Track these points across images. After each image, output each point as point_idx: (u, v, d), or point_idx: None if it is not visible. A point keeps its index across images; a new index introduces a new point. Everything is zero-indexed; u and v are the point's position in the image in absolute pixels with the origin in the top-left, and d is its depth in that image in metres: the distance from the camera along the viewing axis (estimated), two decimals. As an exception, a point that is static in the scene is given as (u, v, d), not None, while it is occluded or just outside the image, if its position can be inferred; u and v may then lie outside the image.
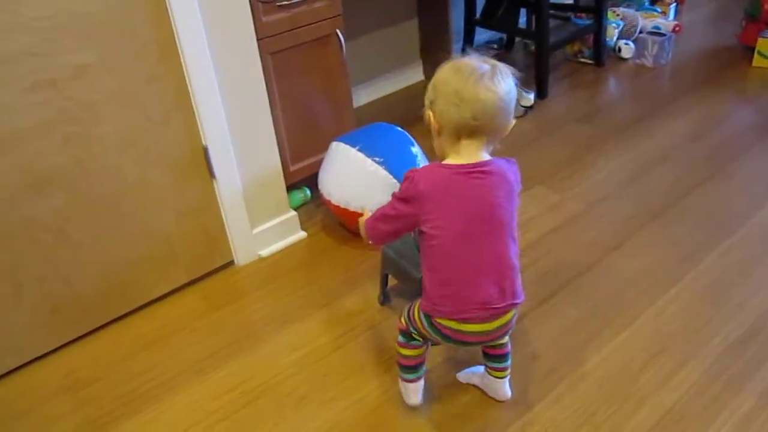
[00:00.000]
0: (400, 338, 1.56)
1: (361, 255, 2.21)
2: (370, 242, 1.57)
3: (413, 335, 1.52)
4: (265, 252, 2.25)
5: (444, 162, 1.37)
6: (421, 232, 1.36)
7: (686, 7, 4.13)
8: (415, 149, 2.16)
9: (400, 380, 1.63)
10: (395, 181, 2.04)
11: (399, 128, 2.21)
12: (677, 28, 3.61)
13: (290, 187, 2.34)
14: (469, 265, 1.34)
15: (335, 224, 2.36)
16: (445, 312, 1.37)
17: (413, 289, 1.81)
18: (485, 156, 1.35)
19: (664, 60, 3.36)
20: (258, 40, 1.98)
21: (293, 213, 2.31)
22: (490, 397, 1.65)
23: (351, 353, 1.83)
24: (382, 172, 2.03)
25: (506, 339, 1.55)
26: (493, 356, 1.59)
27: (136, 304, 2.05)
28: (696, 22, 3.91)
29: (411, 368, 1.58)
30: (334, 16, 2.20)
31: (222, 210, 2.10)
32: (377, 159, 2.04)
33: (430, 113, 1.35)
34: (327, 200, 2.19)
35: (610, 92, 3.23)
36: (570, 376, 1.69)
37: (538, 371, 1.72)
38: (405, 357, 1.57)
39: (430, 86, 1.36)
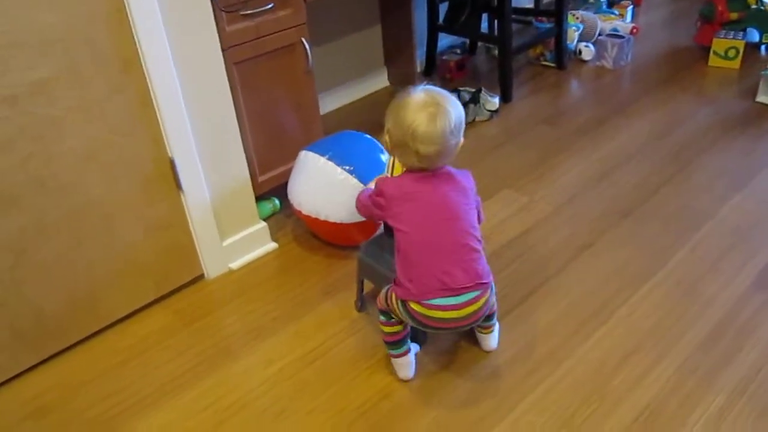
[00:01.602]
0: (381, 317, 1.68)
1: (334, 264, 2.19)
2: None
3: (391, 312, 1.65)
4: (235, 264, 2.22)
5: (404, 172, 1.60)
6: (390, 227, 1.58)
7: (643, 9, 4.21)
8: (384, 156, 2.15)
9: (390, 357, 1.73)
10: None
11: (367, 136, 2.20)
12: (635, 30, 3.68)
13: (259, 198, 2.31)
14: (430, 253, 1.51)
15: (306, 234, 2.34)
16: (411, 294, 1.52)
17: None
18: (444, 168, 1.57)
19: (623, 62, 3.42)
20: (222, 50, 1.95)
21: (263, 224, 2.28)
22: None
23: (329, 364, 1.81)
24: (352, 180, 2.02)
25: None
26: (486, 317, 1.69)
27: (105, 323, 1.99)
28: (653, 24, 4.00)
29: (395, 343, 1.69)
30: (298, 25, 2.18)
31: (190, 223, 2.06)
32: (347, 167, 2.03)
33: (387, 139, 1.56)
34: (297, 210, 2.16)
35: (573, 94, 3.27)
36: (548, 379, 1.70)
37: (516, 374, 1.72)
38: (388, 334, 1.69)
39: (387, 114, 1.56)
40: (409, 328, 1.68)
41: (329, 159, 2.06)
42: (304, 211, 2.13)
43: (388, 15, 3.25)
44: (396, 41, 3.31)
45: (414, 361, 1.73)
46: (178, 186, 1.98)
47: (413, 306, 1.53)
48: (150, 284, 2.05)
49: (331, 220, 2.08)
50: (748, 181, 2.41)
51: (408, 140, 1.46)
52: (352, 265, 1.98)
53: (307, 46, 2.22)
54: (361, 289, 1.96)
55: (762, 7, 3.33)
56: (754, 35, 3.40)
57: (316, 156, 2.08)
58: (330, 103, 3.20)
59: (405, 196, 1.54)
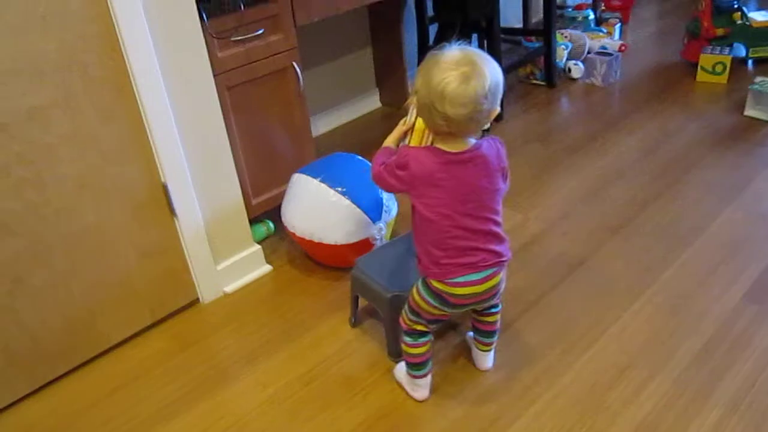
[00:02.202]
0: (407, 338, 1.66)
1: (329, 286, 2.19)
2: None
3: (417, 328, 1.64)
4: (230, 288, 2.22)
5: (433, 146, 1.46)
6: (414, 205, 1.51)
7: (630, 27, 4.27)
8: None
9: (407, 377, 1.73)
10: (359, 210, 2.05)
11: (359, 157, 2.22)
12: (623, 48, 3.73)
13: (253, 221, 2.32)
14: (453, 238, 1.47)
15: (301, 256, 2.34)
16: (435, 275, 1.51)
17: (384, 308, 1.80)
18: (470, 142, 1.45)
19: (612, 79, 3.46)
20: (214, 75, 1.98)
21: (257, 247, 2.29)
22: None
23: (323, 387, 1.81)
24: (345, 201, 2.03)
25: (497, 317, 1.69)
26: (482, 331, 1.72)
27: (100, 349, 1.99)
28: (641, 41, 4.04)
29: (420, 365, 1.68)
30: (289, 49, 2.21)
31: (184, 247, 2.07)
32: (340, 189, 2.04)
33: (414, 100, 1.45)
34: (291, 232, 2.17)
35: (564, 112, 3.30)
36: (543, 396, 1.70)
37: (511, 392, 1.72)
38: (413, 356, 1.67)
39: (417, 72, 1.42)
40: (431, 349, 1.68)
41: (322, 181, 2.07)
42: (298, 234, 2.14)
43: (378, 37, 3.29)
44: (387, 63, 3.34)
45: (431, 382, 1.74)
46: (172, 211, 1.99)
47: (435, 284, 1.52)
48: (145, 309, 2.05)
49: (325, 242, 2.09)
50: (738, 195, 2.43)
51: (436, 100, 1.33)
52: (347, 286, 1.98)
53: (298, 70, 2.24)
54: (355, 304, 1.97)
55: (747, 23, 3.38)
56: (741, 50, 3.44)
57: (309, 178, 2.10)
58: (322, 125, 3.23)
59: (431, 179, 1.44)
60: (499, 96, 1.38)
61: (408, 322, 1.65)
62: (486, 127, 2.04)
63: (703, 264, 2.11)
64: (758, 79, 2.99)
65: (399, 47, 3.23)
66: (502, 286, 1.58)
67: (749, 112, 2.98)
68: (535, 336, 1.90)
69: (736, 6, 3.39)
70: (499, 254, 1.52)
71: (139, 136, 1.86)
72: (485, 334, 1.74)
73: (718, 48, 3.34)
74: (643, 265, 2.13)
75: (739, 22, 3.38)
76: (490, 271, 1.51)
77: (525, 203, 2.52)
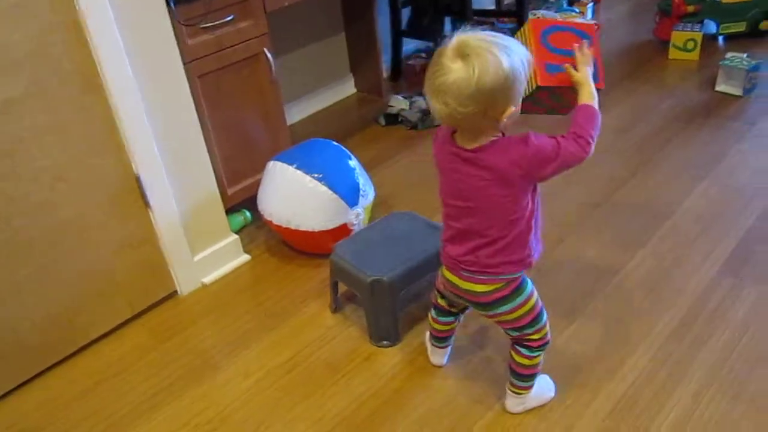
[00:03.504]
0: (432, 311, 1.69)
1: (308, 273, 2.18)
2: None
3: (436, 301, 1.65)
4: (208, 279, 2.20)
5: (453, 133, 1.34)
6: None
7: (603, 6, 4.27)
8: (353, 162, 2.16)
9: (429, 343, 1.78)
10: (336, 195, 2.04)
11: (335, 143, 2.20)
12: (596, 27, 3.72)
13: (230, 211, 2.30)
14: (453, 228, 1.42)
15: (279, 244, 2.33)
16: (441, 260, 1.50)
17: (364, 293, 1.80)
18: (481, 141, 1.29)
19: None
20: (184, 63, 1.95)
21: (235, 237, 2.27)
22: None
23: (306, 373, 1.81)
24: (322, 187, 2.02)
25: (520, 357, 1.53)
26: (509, 369, 1.58)
27: (81, 344, 1.97)
28: (614, 20, 4.06)
29: (440, 339, 1.74)
30: (260, 35, 2.18)
31: (161, 239, 2.04)
32: (316, 175, 2.03)
33: None
34: (268, 221, 2.16)
35: (539, 92, 3.30)
36: (524, 374, 1.71)
37: (496, 370, 1.73)
38: (435, 329, 1.71)
39: None
40: (455, 328, 1.72)
41: (298, 168, 2.06)
42: (276, 222, 2.12)
43: (351, 23, 3.26)
44: (361, 48, 3.32)
45: (449, 353, 1.78)
46: (146, 203, 1.96)
47: (442, 271, 1.52)
48: (124, 303, 2.03)
49: (303, 228, 2.08)
50: (711, 170, 2.45)
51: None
52: (326, 273, 1.98)
53: (269, 57, 2.22)
54: (335, 291, 1.97)
55: (717, 0, 3.40)
56: (711, 27, 3.46)
57: (285, 165, 2.08)
58: (298, 112, 3.20)
59: (436, 161, 1.39)
60: (503, 95, 1.21)
61: (433, 295, 1.68)
62: None
63: (680, 239, 2.13)
64: (729, 54, 3.01)
65: (372, 32, 3.20)
66: (501, 308, 1.44)
67: (721, 87, 3.01)
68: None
69: (706, -17, 3.41)
70: (478, 265, 1.40)
71: (110, 127, 1.83)
72: (511, 372, 1.58)
73: (689, 25, 3.36)
74: (621, 241, 2.15)
75: (710, -1, 3.40)
76: (465, 274, 1.43)
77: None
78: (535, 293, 1.48)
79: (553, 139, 1.31)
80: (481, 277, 1.41)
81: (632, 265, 2.05)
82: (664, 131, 2.76)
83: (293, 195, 2.05)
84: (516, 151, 1.28)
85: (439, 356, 1.77)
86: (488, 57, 1.17)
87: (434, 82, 1.22)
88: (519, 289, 1.44)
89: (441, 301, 1.64)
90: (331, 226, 2.07)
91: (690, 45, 3.33)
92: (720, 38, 3.52)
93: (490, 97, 1.20)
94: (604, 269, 2.04)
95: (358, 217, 2.11)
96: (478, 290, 1.43)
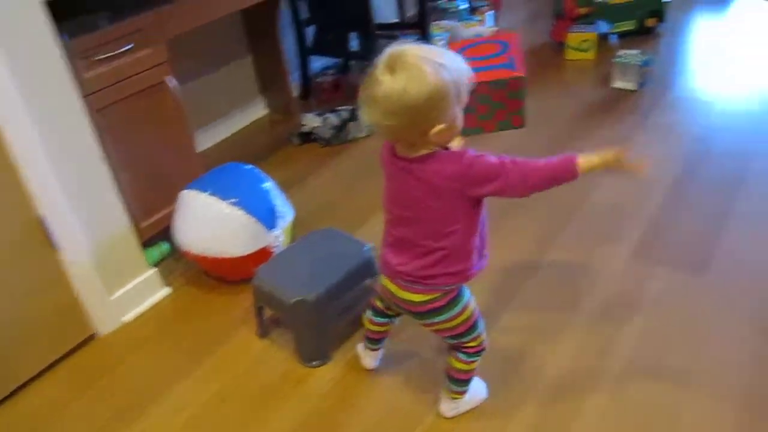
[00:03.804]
0: (368, 312, 1.70)
1: (232, 300, 2.14)
2: None
3: (374, 302, 1.66)
4: (128, 317, 2.12)
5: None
6: None
7: (502, 12, 4.41)
8: (268, 184, 2.13)
9: (362, 345, 1.79)
10: (253, 219, 2.01)
11: (249, 166, 2.18)
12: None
13: (146, 244, 2.23)
14: (392, 235, 1.43)
15: (200, 274, 2.27)
16: (380, 268, 1.51)
17: (289, 315, 1.78)
18: (419, 152, 1.28)
19: (490, 64, 3.58)
20: (82, 97, 1.88)
21: (153, 270, 2.20)
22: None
23: (240, 402, 1.77)
24: (238, 212, 1.99)
25: (455, 362, 1.55)
26: (446, 374, 1.59)
27: (-6, 399, 1.86)
28: (513, 26, 4.19)
29: (373, 341, 1.75)
30: (161, 63, 2.13)
31: (72, 281, 1.95)
32: (231, 200, 2.00)
33: None
34: (186, 251, 2.10)
35: (448, 100, 3.37)
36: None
37: (432, 374, 1.74)
38: (370, 330, 1.73)
39: None
40: (387, 332, 1.73)
41: (212, 194, 2.02)
42: (194, 251, 2.07)
43: (256, 44, 3.24)
44: (269, 69, 3.30)
45: (381, 356, 1.80)
46: (53, 244, 1.88)
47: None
48: (41, 350, 1.93)
49: (223, 256, 2.04)
50: (615, 162, 2.57)
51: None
52: (250, 298, 1.94)
53: (172, 84, 2.17)
54: (260, 316, 1.93)
55: (606, 1, 3.58)
56: (604, 27, 3.64)
57: (198, 193, 2.04)
58: (209, 138, 3.15)
59: (383, 167, 1.37)
60: (429, 111, 1.19)
61: (372, 297, 1.69)
62: None
63: (592, 230, 2.22)
64: (621, 52, 3.17)
65: (278, 52, 3.19)
66: (437, 317, 1.45)
67: (617, 83, 3.16)
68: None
69: (594, -15, 3.59)
70: (413, 276, 1.40)
71: (6, 168, 1.74)
72: (446, 375, 1.59)
73: (583, 26, 3.52)
74: (537, 237, 2.22)
75: (599, 0, 3.58)
76: (403, 282, 1.43)
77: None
78: (472, 302, 1.49)
79: (500, 161, 1.29)
80: (418, 287, 1.41)
81: (549, 258, 2.12)
82: (569, 129, 2.88)
83: (209, 222, 2.01)
84: (451, 166, 1.27)
85: (371, 359, 1.78)
86: (416, 72, 1.16)
87: (365, 94, 1.22)
88: (455, 299, 1.45)
89: (378, 303, 1.65)
90: (251, 250, 2.04)
91: (585, 45, 3.49)
92: (612, 37, 3.71)
93: (415, 113, 1.18)
94: (522, 264, 2.10)
95: (277, 239, 2.09)
96: (415, 300, 1.43)
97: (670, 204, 2.29)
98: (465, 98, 1.25)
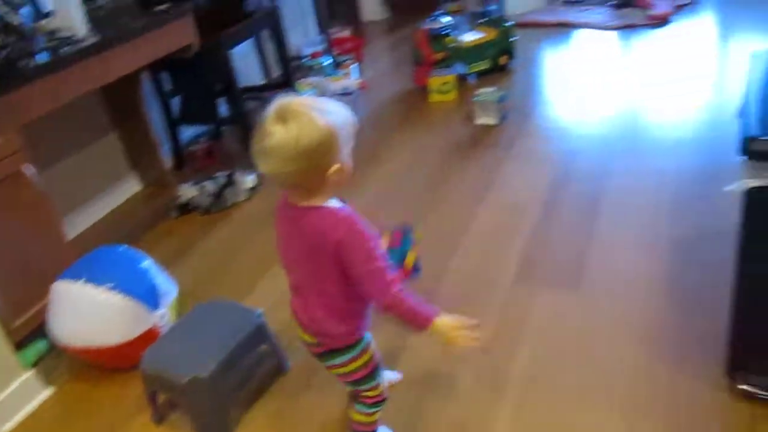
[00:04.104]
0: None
1: (122, 390, 2.02)
2: None
3: None
4: (9, 426, 1.96)
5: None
6: None
7: (366, 64, 4.58)
8: (147, 263, 2.07)
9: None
10: (134, 301, 1.93)
11: (123, 247, 2.10)
12: (363, 85, 3.98)
13: (20, 344, 2.07)
14: (289, 279, 1.45)
15: (84, 368, 2.14)
16: None
17: (183, 395, 1.71)
18: (310, 202, 1.32)
19: (359, 115, 3.67)
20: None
21: (31, 372, 2.05)
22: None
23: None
24: (116, 296, 1.91)
25: (356, 413, 1.56)
26: (349, 426, 1.59)
27: None
28: (377, 76, 4.36)
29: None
30: (15, 152, 2.03)
31: (-63, 399, 1.79)
32: (107, 285, 1.92)
33: None
34: (65, 346, 1.99)
35: (324, 154, 3.42)
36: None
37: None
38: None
39: None
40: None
41: (86, 281, 1.93)
42: (74, 345, 1.96)
43: (121, 120, 3.16)
44: (138, 144, 3.22)
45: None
46: None
47: None
48: None
49: (106, 345, 1.94)
50: (488, 193, 2.71)
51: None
52: (141, 385, 1.85)
53: (30, 172, 2.07)
54: (153, 401, 1.84)
55: (459, 44, 3.81)
56: (461, 68, 3.86)
57: (71, 283, 1.94)
58: (82, 222, 3.00)
59: (276, 219, 1.40)
60: (324, 153, 1.24)
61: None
62: (253, 184, 1.72)
63: (474, 258, 2.31)
64: (479, 90, 3.37)
65: (146, 126, 3.13)
66: (333, 360, 1.46)
67: (479, 120, 3.34)
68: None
69: (447, 32, 3.81)
70: (308, 326, 1.43)
71: None
72: (349, 427, 1.63)
73: (442, 70, 3.72)
74: (427, 269, 2.27)
75: (453, 44, 3.80)
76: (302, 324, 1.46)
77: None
78: (371, 350, 1.50)
79: (378, 259, 1.32)
80: (310, 330, 1.44)
81: (440, 290, 2.17)
82: (443, 167, 3.00)
83: (86, 312, 1.91)
84: (331, 227, 1.30)
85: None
86: (306, 119, 1.22)
87: (259, 146, 1.25)
88: (353, 344, 1.46)
89: None
90: (136, 334, 1.96)
91: (446, 87, 3.68)
92: (471, 77, 3.93)
93: (313, 156, 1.23)
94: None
95: (163, 318, 2.02)
96: (310, 341, 1.46)
97: (541, 227, 2.43)
98: (352, 140, 1.31)
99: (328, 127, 1.24)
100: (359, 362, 1.47)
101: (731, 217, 1.45)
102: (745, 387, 1.59)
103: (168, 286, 2.09)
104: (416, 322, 1.37)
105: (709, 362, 1.71)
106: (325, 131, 1.23)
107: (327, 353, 1.46)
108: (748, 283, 1.47)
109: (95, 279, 1.93)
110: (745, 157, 1.30)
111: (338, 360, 1.46)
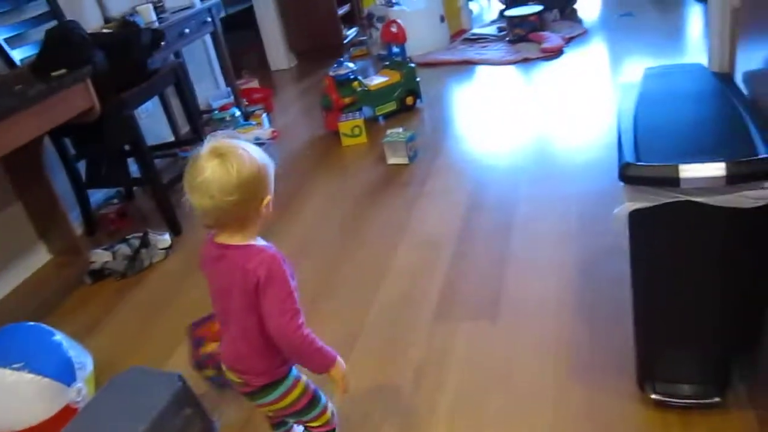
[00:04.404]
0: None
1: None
2: None
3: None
4: None
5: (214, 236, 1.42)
6: None
7: (277, 113, 4.62)
8: (58, 337, 2.00)
9: None
10: (47, 379, 1.86)
11: (30, 323, 2.03)
12: (275, 134, 4.01)
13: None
14: (217, 318, 1.49)
15: (-3, 454, 2.03)
16: None
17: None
18: (237, 239, 1.38)
19: (275, 163, 3.69)
20: None
21: (-63, 466, 1.93)
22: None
23: None
24: (27, 376, 1.83)
25: (286, 409, 1.54)
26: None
27: None
28: (289, 124, 4.40)
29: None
30: None
31: None
32: (16, 365, 1.84)
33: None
34: (-26, 433, 1.88)
35: (240, 206, 3.41)
36: None
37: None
38: None
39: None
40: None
41: (-8, 364, 1.84)
42: (-16, 431, 1.86)
43: (24, 189, 3.06)
44: (43, 212, 3.11)
45: None
46: None
47: None
48: None
49: (19, 428, 1.85)
50: (404, 231, 2.77)
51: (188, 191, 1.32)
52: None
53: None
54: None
55: (365, 88, 3.91)
56: (369, 111, 3.95)
57: (-25, 367, 1.85)
58: (-13, 299, 2.87)
59: (201, 262, 1.46)
60: (261, 184, 1.33)
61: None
62: (167, 245, 1.78)
63: (397, 297, 2.35)
64: (389, 131, 3.46)
65: (50, 193, 3.02)
66: (265, 398, 1.48)
67: (391, 160, 3.42)
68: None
69: (352, 77, 3.90)
70: (234, 363, 1.46)
71: None
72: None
73: (350, 114, 3.80)
74: (347, 319, 2.29)
75: (359, 89, 3.89)
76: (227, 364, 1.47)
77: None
78: (303, 378, 1.51)
79: (295, 301, 1.38)
80: (236, 369, 1.45)
81: (364, 331, 2.19)
82: (358, 210, 3.05)
83: (-5, 396, 1.82)
84: (257, 263, 1.34)
85: None
86: (241, 153, 1.31)
87: (195, 181, 1.29)
88: (281, 379, 1.47)
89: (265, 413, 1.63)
90: (51, 413, 1.88)
91: (356, 131, 3.75)
92: (379, 118, 4.03)
93: (252, 186, 1.31)
94: (342, 339, 2.15)
95: (80, 392, 1.94)
96: (237, 380, 1.46)
97: (457, 261, 2.50)
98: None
99: (261, 160, 1.35)
100: (294, 394, 1.49)
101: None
102: (654, 396, 1.68)
103: (83, 359, 2.02)
104: (324, 360, 1.42)
105: (622, 375, 1.79)
106: (260, 163, 1.34)
107: (257, 391, 1.46)
108: (642, 296, 1.57)
109: (2, 360, 1.85)
110: (623, 183, 1.40)
111: (270, 397, 1.47)
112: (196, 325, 2.09)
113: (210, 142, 1.33)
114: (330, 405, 1.58)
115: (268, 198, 1.37)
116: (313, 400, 1.53)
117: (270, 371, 1.45)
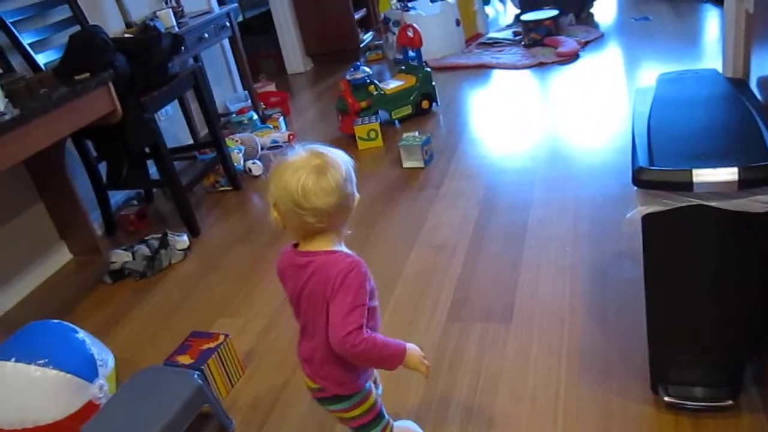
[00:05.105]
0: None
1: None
2: None
3: None
4: None
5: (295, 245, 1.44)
6: None
7: (293, 117, 4.67)
8: (80, 334, 2.05)
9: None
10: (70, 375, 1.90)
11: (54, 321, 2.07)
12: (291, 137, 4.06)
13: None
14: (299, 323, 1.47)
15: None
16: None
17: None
18: (322, 246, 1.39)
19: (291, 166, 3.73)
20: None
21: (-37, 460, 1.98)
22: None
23: None
24: (51, 372, 1.88)
25: (350, 420, 1.54)
26: None
27: None
28: (305, 127, 4.45)
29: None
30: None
31: None
32: (40, 362, 1.88)
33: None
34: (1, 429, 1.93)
35: (256, 209, 3.47)
36: None
37: None
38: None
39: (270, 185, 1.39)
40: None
41: (17, 361, 1.89)
42: (9, 427, 1.91)
43: (46, 190, 3.13)
44: (65, 212, 3.18)
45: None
46: None
47: None
48: None
49: (42, 423, 1.89)
50: (418, 234, 2.79)
51: (299, 199, 1.31)
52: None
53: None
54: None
55: (381, 92, 3.94)
56: (384, 115, 3.99)
57: (1, 364, 1.89)
58: (10, 298, 2.93)
59: (279, 274, 1.48)
60: (350, 190, 1.37)
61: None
62: (186, 246, 1.79)
63: (410, 300, 2.37)
64: (404, 135, 3.49)
65: (72, 194, 3.10)
66: (336, 405, 1.49)
67: (406, 164, 3.45)
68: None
69: (368, 81, 3.94)
70: (312, 370, 1.46)
71: None
72: None
73: (366, 118, 3.83)
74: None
75: (375, 93, 3.93)
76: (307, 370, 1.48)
77: (242, 307, 2.56)
78: (374, 395, 1.52)
79: (360, 316, 1.33)
80: (314, 377, 1.47)
81: (378, 331, 2.19)
82: (373, 211, 3.08)
83: (19, 391, 1.87)
84: (338, 271, 1.33)
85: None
86: (329, 153, 1.35)
87: (292, 190, 1.29)
88: (353, 393, 1.48)
89: None
90: (74, 408, 1.92)
91: (372, 134, 3.78)
92: (395, 122, 4.06)
93: (347, 185, 1.35)
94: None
95: (102, 389, 1.99)
96: (313, 386, 1.48)
97: (471, 263, 2.52)
98: None
99: (345, 160, 1.38)
100: (361, 408, 1.50)
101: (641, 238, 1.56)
102: (667, 398, 1.69)
103: (105, 356, 2.07)
104: (393, 360, 1.40)
105: (635, 378, 1.81)
106: (347, 159, 1.39)
107: (328, 399, 1.48)
108: (655, 300, 1.58)
109: (26, 357, 1.89)
110: (637, 187, 1.42)
111: (339, 406, 1.49)
112: (194, 334, 2.15)
113: (307, 148, 1.35)
114: (392, 423, 1.58)
115: (357, 196, 1.41)
116: (376, 420, 1.53)
117: (350, 383, 1.46)
